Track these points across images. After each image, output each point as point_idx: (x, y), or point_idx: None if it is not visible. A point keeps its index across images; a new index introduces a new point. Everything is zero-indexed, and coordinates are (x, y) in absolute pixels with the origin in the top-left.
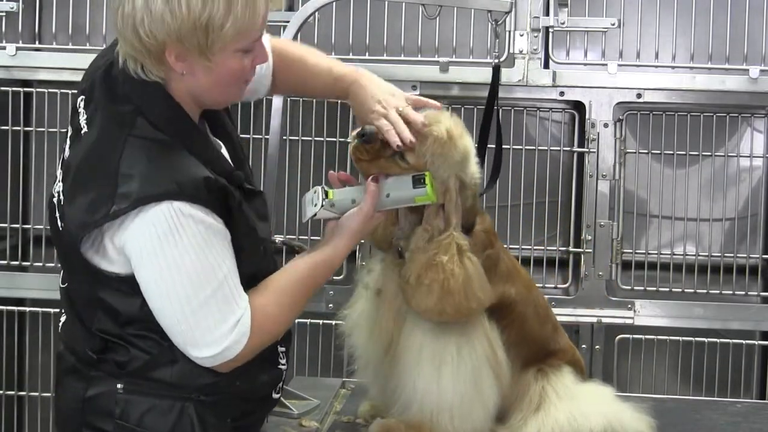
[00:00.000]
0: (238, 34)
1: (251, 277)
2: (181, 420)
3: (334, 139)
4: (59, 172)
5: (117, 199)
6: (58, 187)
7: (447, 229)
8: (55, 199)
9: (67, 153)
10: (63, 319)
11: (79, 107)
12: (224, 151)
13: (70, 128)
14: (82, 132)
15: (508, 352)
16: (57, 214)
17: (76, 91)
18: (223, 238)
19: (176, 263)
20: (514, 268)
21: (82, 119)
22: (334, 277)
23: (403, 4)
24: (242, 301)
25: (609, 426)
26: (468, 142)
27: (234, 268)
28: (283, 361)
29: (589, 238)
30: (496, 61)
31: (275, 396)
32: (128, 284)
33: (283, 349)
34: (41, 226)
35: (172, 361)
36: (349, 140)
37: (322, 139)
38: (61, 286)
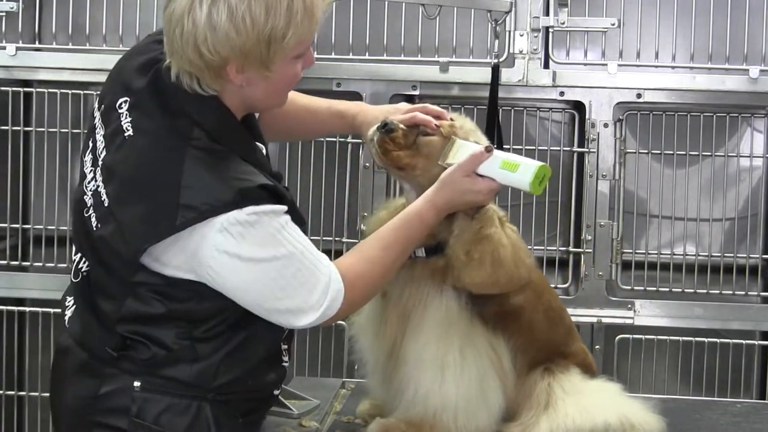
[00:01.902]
0: (298, 42)
1: None
2: (197, 419)
3: (334, 139)
4: (90, 169)
5: (181, 210)
6: (94, 185)
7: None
8: (87, 198)
9: (102, 152)
10: (70, 313)
11: (120, 108)
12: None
13: (101, 126)
14: (126, 135)
15: (516, 357)
16: (91, 213)
17: (75, 90)
18: (286, 215)
19: (258, 255)
20: None
21: (125, 121)
22: None
23: (403, 4)
24: (324, 260)
25: (624, 417)
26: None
27: (304, 237)
28: (286, 359)
29: (589, 238)
30: (495, 61)
31: (276, 393)
32: (178, 284)
33: (286, 346)
34: (41, 226)
35: (191, 360)
36: (370, 135)
37: (322, 139)
38: (74, 280)
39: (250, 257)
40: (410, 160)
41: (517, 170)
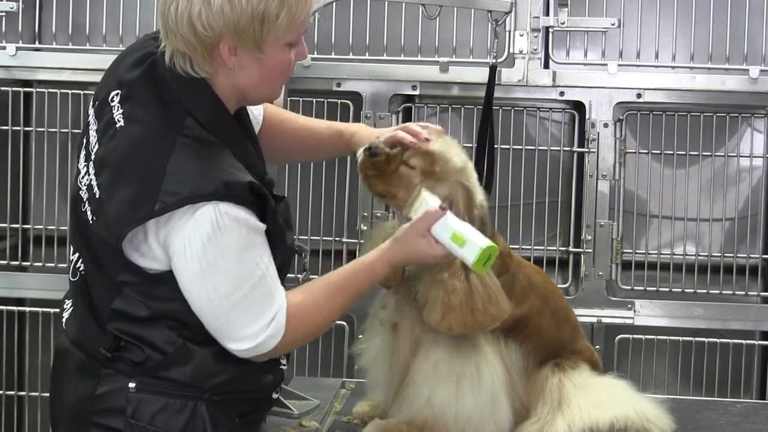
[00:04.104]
0: (291, 24)
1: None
2: (193, 419)
3: None
4: (83, 165)
5: (162, 196)
6: (87, 179)
7: None
8: (83, 192)
9: (95, 146)
10: (67, 315)
11: (112, 101)
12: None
13: (95, 121)
14: (117, 126)
15: (527, 360)
16: (87, 207)
17: (75, 90)
18: (261, 235)
19: (217, 264)
20: (529, 283)
21: (117, 113)
22: None
23: (403, 4)
24: (279, 297)
25: (640, 412)
26: (465, 155)
27: (272, 265)
28: (284, 361)
29: (589, 238)
30: (493, 61)
31: (274, 396)
32: (159, 282)
33: None
34: (41, 226)
35: (186, 361)
36: (357, 156)
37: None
38: (72, 279)
39: (209, 262)
40: (389, 188)
41: (464, 246)
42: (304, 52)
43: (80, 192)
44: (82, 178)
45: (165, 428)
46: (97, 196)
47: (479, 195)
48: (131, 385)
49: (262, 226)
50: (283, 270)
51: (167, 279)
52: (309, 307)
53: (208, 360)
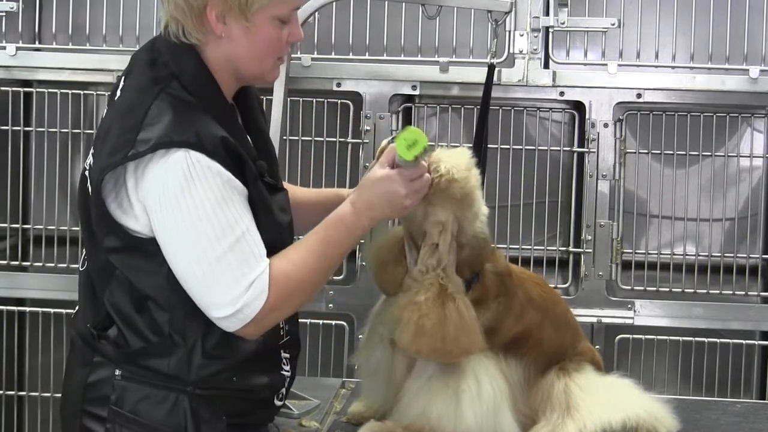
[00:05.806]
0: None
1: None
2: (174, 411)
3: (334, 139)
4: (92, 150)
5: (137, 144)
6: (91, 158)
7: (436, 269)
8: (87, 172)
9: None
10: (76, 308)
11: (119, 83)
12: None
13: (105, 109)
14: (115, 99)
15: (530, 371)
16: (89, 182)
17: (75, 90)
18: (240, 194)
19: (192, 215)
20: (527, 298)
21: (119, 89)
22: (334, 277)
23: (403, 4)
24: (262, 260)
25: (648, 411)
26: (472, 188)
27: (254, 228)
28: (287, 368)
29: (589, 238)
30: (492, 61)
31: (277, 403)
32: (141, 250)
33: (287, 355)
34: (41, 226)
35: (170, 352)
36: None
37: (322, 139)
38: (81, 269)
39: (183, 212)
40: None
41: (397, 140)
42: (297, 34)
43: (86, 172)
44: (88, 158)
45: (146, 417)
46: (92, 165)
47: (475, 226)
48: (117, 372)
49: (240, 186)
50: (272, 234)
51: (151, 250)
52: (284, 264)
53: (194, 353)
